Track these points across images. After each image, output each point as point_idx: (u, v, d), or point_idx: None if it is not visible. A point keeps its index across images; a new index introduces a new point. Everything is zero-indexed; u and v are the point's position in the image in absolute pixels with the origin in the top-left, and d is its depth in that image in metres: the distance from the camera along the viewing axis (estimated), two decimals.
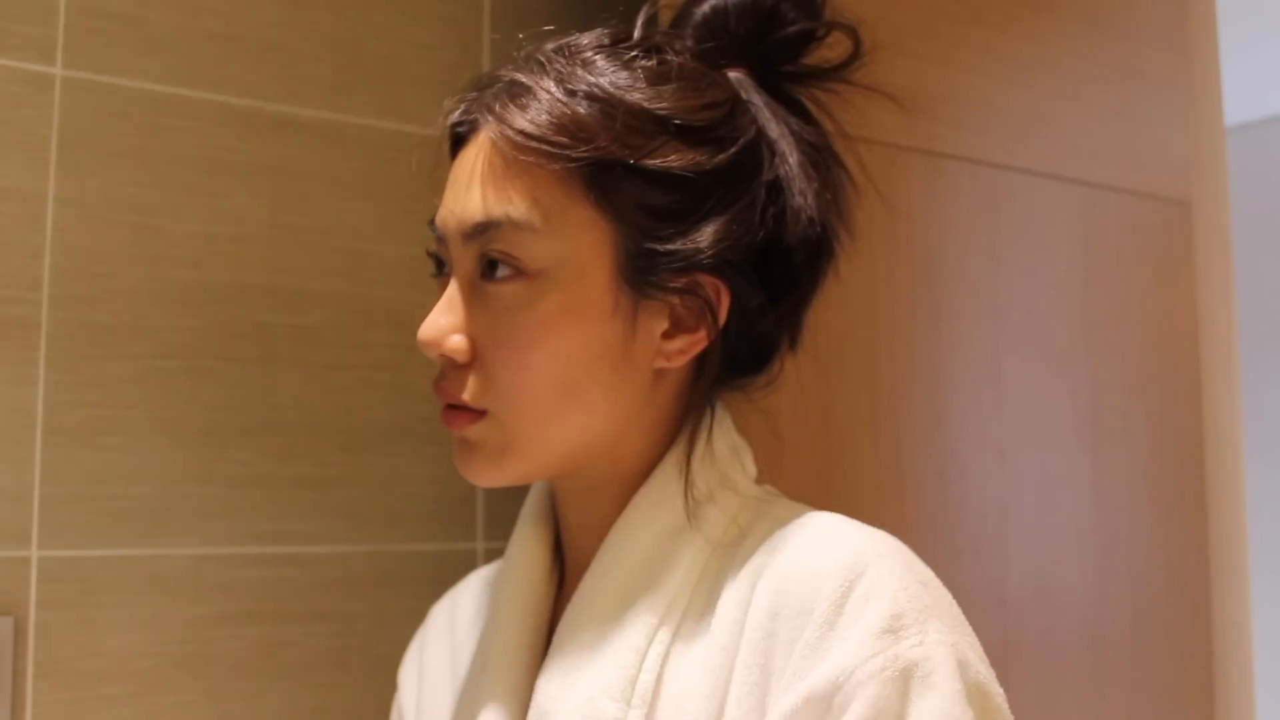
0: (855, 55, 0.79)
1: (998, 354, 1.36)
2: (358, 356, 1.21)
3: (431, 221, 0.75)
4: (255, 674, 1.14)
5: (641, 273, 0.69)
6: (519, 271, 0.69)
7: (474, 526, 1.27)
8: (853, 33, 0.79)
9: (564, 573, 0.80)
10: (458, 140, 0.76)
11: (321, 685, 1.17)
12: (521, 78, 0.71)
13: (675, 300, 0.70)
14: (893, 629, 0.61)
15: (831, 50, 0.79)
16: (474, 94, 0.74)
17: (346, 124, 1.22)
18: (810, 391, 1.18)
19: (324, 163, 1.21)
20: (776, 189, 0.73)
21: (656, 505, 0.72)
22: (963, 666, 0.62)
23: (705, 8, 0.77)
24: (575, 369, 0.69)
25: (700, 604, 0.69)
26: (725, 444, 0.76)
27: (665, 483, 0.73)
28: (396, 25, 1.25)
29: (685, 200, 0.69)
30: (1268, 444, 3.21)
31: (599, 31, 0.75)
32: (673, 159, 0.69)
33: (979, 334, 1.35)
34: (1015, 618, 1.33)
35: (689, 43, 0.76)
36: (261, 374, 1.17)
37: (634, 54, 0.72)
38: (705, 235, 0.69)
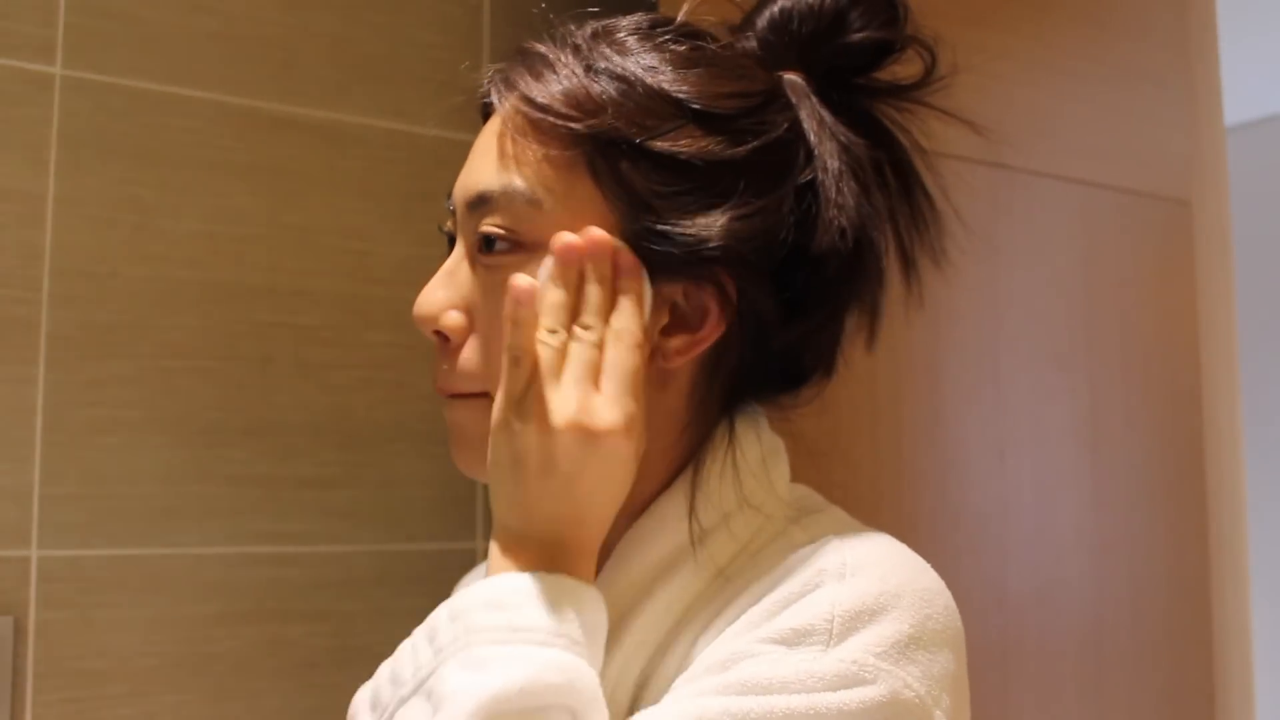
0: (928, 75, 0.75)
1: (998, 354, 1.36)
2: (358, 356, 1.21)
3: (449, 196, 0.73)
4: (255, 674, 1.14)
5: (644, 258, 0.66)
6: (517, 244, 0.66)
7: (474, 526, 1.27)
8: (929, 50, 0.75)
9: None
10: (487, 113, 0.74)
11: (321, 685, 1.17)
12: (544, 50, 0.69)
13: (678, 294, 0.67)
14: (789, 641, 0.59)
15: (906, 68, 0.75)
16: (498, 67, 0.72)
17: (346, 124, 1.22)
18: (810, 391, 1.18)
19: (324, 163, 1.21)
20: (807, 194, 0.69)
21: (656, 532, 0.69)
22: (859, 685, 0.57)
23: (771, 10, 0.74)
24: None
25: (683, 639, 0.67)
26: (755, 454, 0.72)
27: (670, 508, 0.69)
28: (396, 25, 1.25)
29: (693, 187, 0.66)
30: (1268, 444, 3.21)
31: (639, 16, 0.72)
32: (683, 143, 0.66)
33: (979, 334, 1.35)
34: (1015, 618, 1.33)
35: (751, 43, 0.74)
36: (261, 374, 1.17)
37: (667, 38, 0.69)
38: (713, 224, 0.65)
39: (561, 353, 0.63)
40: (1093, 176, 1.45)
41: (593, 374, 0.62)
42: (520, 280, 0.63)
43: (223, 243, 1.16)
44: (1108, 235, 1.47)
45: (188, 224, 1.14)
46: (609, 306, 0.64)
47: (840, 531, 0.68)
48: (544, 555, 0.62)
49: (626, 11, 0.75)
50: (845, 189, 0.70)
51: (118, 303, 1.11)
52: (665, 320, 0.68)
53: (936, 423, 1.30)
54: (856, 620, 0.60)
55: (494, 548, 0.64)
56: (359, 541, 1.20)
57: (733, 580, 0.67)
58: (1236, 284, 1.61)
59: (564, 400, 0.61)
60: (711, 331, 0.68)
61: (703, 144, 0.66)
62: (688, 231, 0.65)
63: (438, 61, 1.27)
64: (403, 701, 0.61)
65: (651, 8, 1.08)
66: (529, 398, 0.62)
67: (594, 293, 0.64)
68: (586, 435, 0.61)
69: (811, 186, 0.69)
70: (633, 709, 0.66)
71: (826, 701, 0.57)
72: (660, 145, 0.66)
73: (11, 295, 1.06)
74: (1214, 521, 1.53)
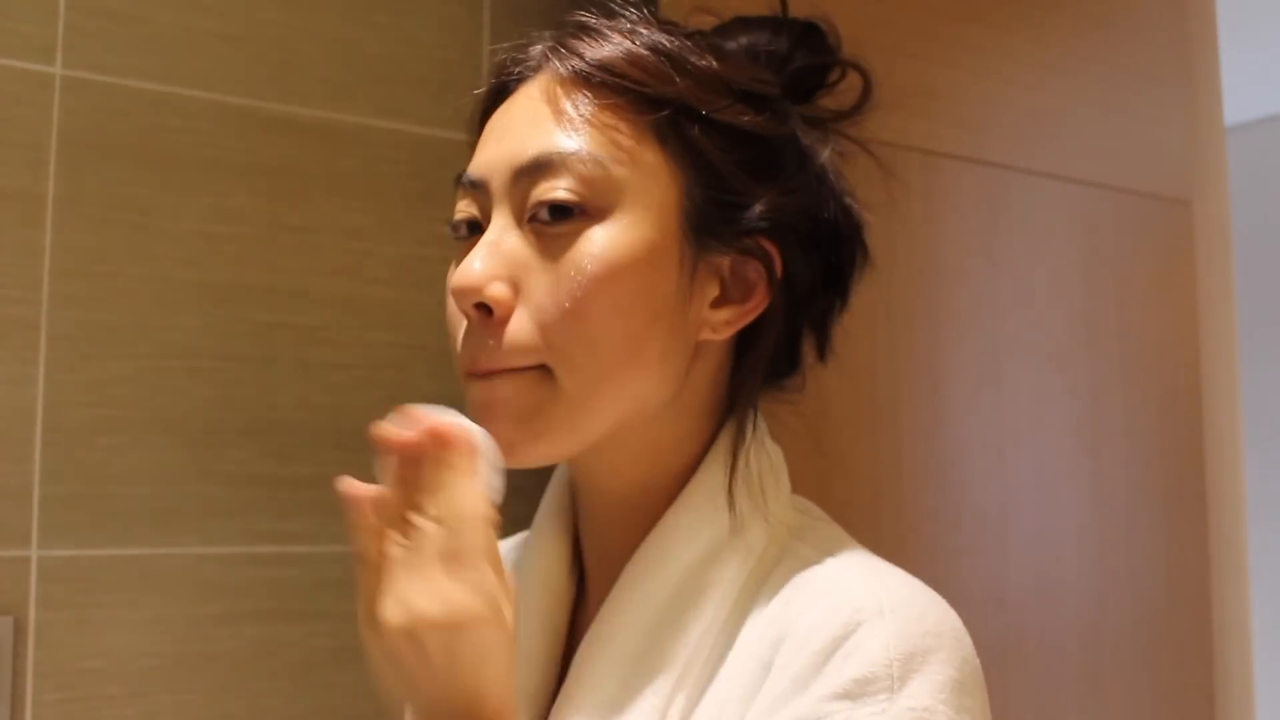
0: (865, 97, 0.77)
1: (998, 354, 1.36)
2: (358, 356, 1.21)
3: (459, 176, 0.69)
4: (255, 674, 1.14)
5: (706, 226, 0.67)
6: (584, 210, 0.64)
7: None
8: (863, 74, 0.78)
9: (584, 571, 0.76)
10: (500, 93, 0.71)
11: (321, 685, 1.17)
12: (589, 21, 0.70)
13: (725, 267, 0.68)
14: (853, 694, 0.58)
15: (844, 97, 0.80)
16: (532, 40, 0.71)
17: (346, 124, 1.22)
18: (810, 391, 1.18)
19: (324, 163, 1.21)
20: (825, 177, 0.74)
21: (694, 529, 0.68)
22: None
23: (739, 41, 0.77)
24: (638, 322, 0.65)
25: (723, 650, 0.66)
26: (762, 460, 0.72)
27: (703, 501, 0.69)
28: (396, 25, 1.25)
29: (752, 158, 0.68)
30: (1268, 444, 3.21)
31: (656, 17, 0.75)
32: (744, 119, 0.68)
33: (979, 334, 1.35)
34: (1015, 618, 1.33)
35: None
36: (261, 374, 1.17)
37: (691, 31, 0.72)
38: (768, 195, 0.68)
39: (411, 548, 0.60)
40: (1093, 176, 1.45)
41: (446, 562, 0.59)
42: (346, 486, 0.61)
43: (223, 243, 1.16)
44: (1108, 235, 1.47)
45: (188, 224, 1.14)
46: (448, 487, 0.60)
47: (840, 549, 0.68)
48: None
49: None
50: (842, 177, 0.75)
51: (118, 303, 1.11)
52: (715, 294, 0.69)
53: (936, 423, 1.30)
54: (911, 662, 0.60)
55: None
56: None
57: (759, 592, 0.67)
58: (1236, 284, 1.61)
59: (421, 598, 0.59)
60: (759, 303, 0.69)
61: (756, 119, 0.68)
62: (749, 200, 0.68)
63: (438, 62, 1.27)
64: None
65: (652, 9, 1.08)
66: (388, 601, 0.60)
67: (430, 477, 0.60)
68: (454, 628, 0.58)
69: (824, 169, 0.74)
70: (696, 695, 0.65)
71: None
72: (725, 116, 0.67)
73: (11, 295, 1.06)
74: (1214, 521, 1.53)
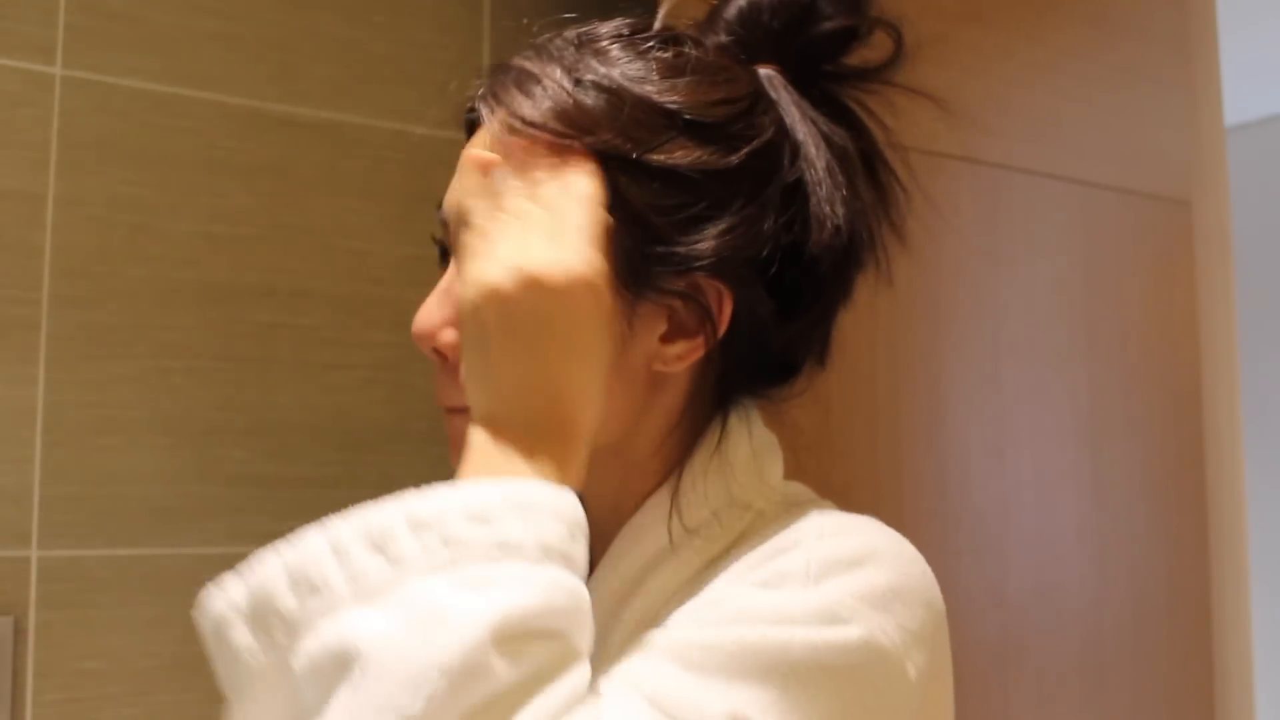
0: (896, 56, 0.74)
1: (998, 354, 1.36)
2: (358, 356, 1.21)
3: (440, 206, 0.71)
4: None
5: (638, 273, 0.65)
6: None
7: None
8: (895, 32, 0.74)
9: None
10: (472, 125, 0.72)
11: None
12: (529, 66, 0.68)
13: (676, 303, 0.66)
14: (769, 584, 0.59)
15: (874, 51, 0.75)
16: (484, 82, 0.70)
17: (346, 124, 1.22)
18: (810, 391, 1.18)
19: (324, 163, 1.21)
20: (796, 193, 0.69)
21: (647, 529, 0.69)
22: (837, 623, 0.57)
23: (741, 2, 0.73)
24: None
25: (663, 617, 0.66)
26: (745, 450, 0.72)
27: (661, 506, 0.69)
28: (396, 25, 1.25)
29: (688, 199, 0.65)
30: (1268, 444, 3.21)
31: (618, 22, 0.71)
32: (679, 155, 0.65)
33: (979, 334, 1.35)
34: (1015, 618, 1.33)
35: (722, 37, 0.73)
36: (261, 374, 1.17)
37: (650, 45, 0.68)
38: (707, 238, 0.65)
39: (516, 219, 0.61)
40: (1093, 176, 1.45)
41: (549, 230, 0.60)
42: (483, 154, 0.62)
43: (222, 243, 1.16)
44: (1108, 235, 1.47)
45: (188, 224, 1.14)
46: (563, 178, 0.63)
47: (830, 514, 0.68)
48: (523, 441, 0.59)
49: (618, 12, 0.75)
50: (834, 183, 0.69)
51: (118, 303, 1.11)
52: (663, 328, 0.67)
53: (936, 423, 1.30)
54: (834, 566, 0.60)
55: (471, 440, 0.60)
56: None
57: (725, 557, 0.68)
58: (1236, 284, 1.61)
59: (520, 254, 0.59)
60: (710, 338, 0.67)
61: (696, 155, 0.65)
62: (683, 248, 0.65)
63: (438, 62, 1.27)
64: (330, 611, 0.54)
65: (650, 7, 1.08)
66: (483, 262, 0.59)
67: (545, 165, 0.63)
68: (544, 287, 0.58)
69: (799, 185, 0.69)
70: None
71: (801, 636, 0.56)
72: (656, 159, 0.64)
73: (11, 295, 1.06)
74: (1214, 521, 1.53)
